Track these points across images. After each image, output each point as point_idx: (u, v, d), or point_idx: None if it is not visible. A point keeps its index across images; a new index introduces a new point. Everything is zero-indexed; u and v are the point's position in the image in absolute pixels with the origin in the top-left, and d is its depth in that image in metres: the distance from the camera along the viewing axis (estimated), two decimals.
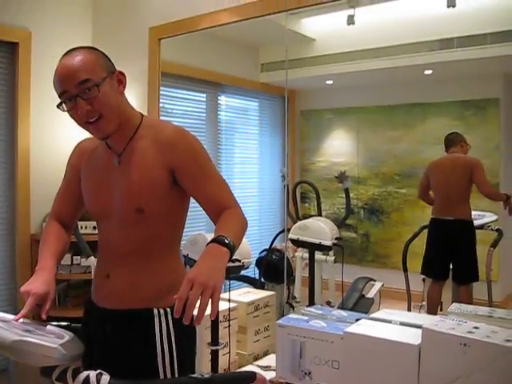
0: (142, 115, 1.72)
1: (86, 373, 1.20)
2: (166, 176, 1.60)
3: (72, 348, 1.28)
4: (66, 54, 1.62)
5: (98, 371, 1.20)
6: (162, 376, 1.56)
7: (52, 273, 1.61)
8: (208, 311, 1.30)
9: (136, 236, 1.63)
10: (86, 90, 1.53)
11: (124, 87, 1.65)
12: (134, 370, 1.41)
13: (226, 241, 1.40)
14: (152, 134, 1.64)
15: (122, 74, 1.64)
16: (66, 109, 1.60)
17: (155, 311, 1.61)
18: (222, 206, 1.59)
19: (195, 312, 1.27)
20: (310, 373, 2.29)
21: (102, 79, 1.54)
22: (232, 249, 1.41)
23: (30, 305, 1.47)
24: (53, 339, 1.26)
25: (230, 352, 2.79)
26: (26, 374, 1.27)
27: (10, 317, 1.46)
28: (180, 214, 1.71)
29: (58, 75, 1.58)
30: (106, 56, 1.68)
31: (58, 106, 1.60)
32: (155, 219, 1.62)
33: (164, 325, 1.61)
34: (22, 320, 1.43)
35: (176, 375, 1.58)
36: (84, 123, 1.60)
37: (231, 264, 2.43)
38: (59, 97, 1.60)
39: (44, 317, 1.50)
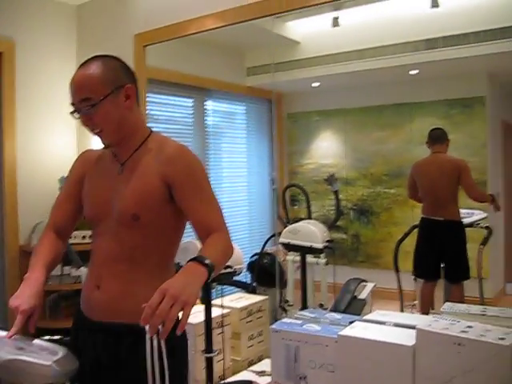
0: (151, 131, 1.76)
1: None
2: (163, 189, 1.62)
3: (66, 364, 1.26)
4: (83, 64, 1.67)
5: None
6: None
7: (39, 283, 1.60)
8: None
9: (130, 243, 1.63)
10: (86, 106, 1.60)
11: (132, 102, 1.68)
12: None
13: (205, 261, 1.43)
14: (155, 149, 1.68)
15: (131, 88, 1.67)
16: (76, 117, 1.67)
17: (147, 328, 1.59)
18: (211, 229, 1.60)
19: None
20: (305, 377, 2.28)
21: (101, 98, 1.59)
22: (211, 270, 1.44)
23: (20, 322, 1.48)
24: (46, 356, 1.24)
25: (224, 359, 2.78)
26: None
27: (2, 333, 1.44)
28: (176, 229, 1.72)
29: (70, 86, 1.65)
30: (123, 67, 1.72)
31: (71, 113, 1.67)
32: (150, 229, 1.64)
33: (155, 342, 1.55)
34: (14, 337, 1.41)
35: None
36: (91, 131, 1.67)
37: (223, 270, 2.42)
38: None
39: (32, 330, 1.49)
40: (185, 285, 1.34)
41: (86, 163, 1.82)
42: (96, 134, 1.66)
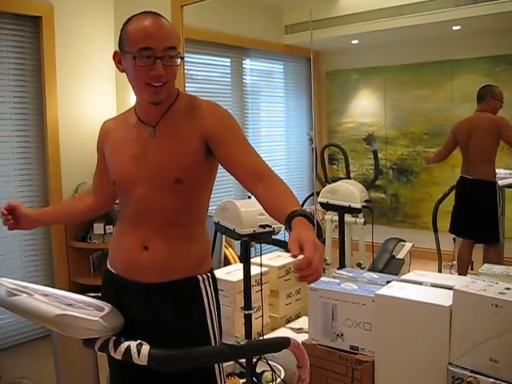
0: (178, 90, 1.73)
1: (126, 343, 1.24)
2: (201, 145, 1.61)
3: (112, 320, 1.32)
4: (147, 14, 1.58)
5: (139, 341, 1.24)
6: (212, 341, 1.62)
7: (38, 210, 1.96)
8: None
9: (175, 206, 1.64)
10: (169, 56, 1.55)
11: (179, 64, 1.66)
12: (187, 339, 1.46)
13: (311, 218, 1.39)
14: (185, 107, 1.67)
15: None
16: (137, 63, 1.54)
17: (199, 277, 1.67)
18: (256, 171, 1.56)
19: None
20: (342, 334, 2.32)
21: (179, 52, 1.59)
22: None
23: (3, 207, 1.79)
24: (93, 311, 1.30)
25: (262, 315, 2.83)
26: (70, 343, 1.31)
27: (51, 290, 1.51)
28: (209, 186, 1.74)
29: (147, 30, 1.53)
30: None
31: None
32: (193, 189, 1.65)
33: (209, 289, 1.68)
34: (62, 293, 1.48)
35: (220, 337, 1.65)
36: (145, 82, 1.57)
37: (262, 230, 2.46)
38: (137, 50, 1.53)
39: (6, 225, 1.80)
40: (314, 236, 1.30)
41: (104, 135, 1.82)
42: (154, 85, 1.56)
